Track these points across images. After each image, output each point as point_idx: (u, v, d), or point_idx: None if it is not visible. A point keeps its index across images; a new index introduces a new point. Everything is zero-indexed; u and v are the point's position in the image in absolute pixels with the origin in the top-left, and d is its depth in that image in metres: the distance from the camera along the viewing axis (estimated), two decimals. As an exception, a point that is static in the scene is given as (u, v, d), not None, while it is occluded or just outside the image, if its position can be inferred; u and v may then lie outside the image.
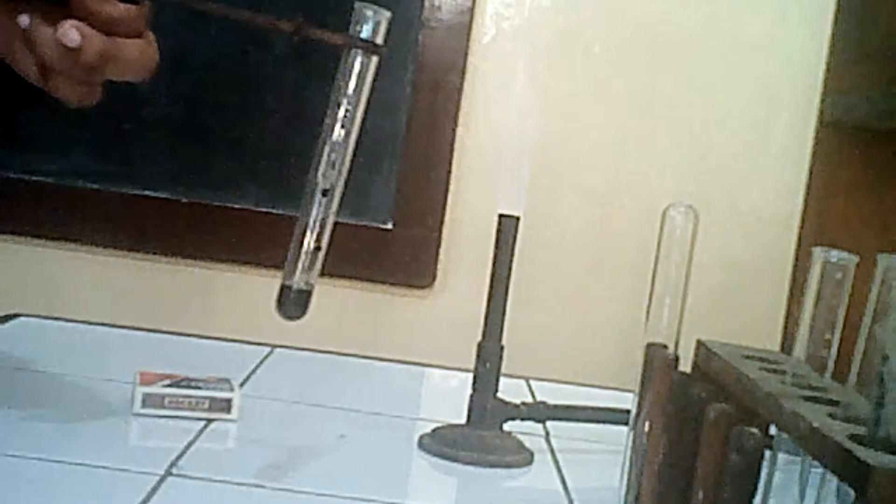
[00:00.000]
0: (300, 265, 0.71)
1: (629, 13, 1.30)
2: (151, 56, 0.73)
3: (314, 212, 0.71)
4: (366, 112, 0.72)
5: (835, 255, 0.61)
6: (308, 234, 0.71)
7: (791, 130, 1.32)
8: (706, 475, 0.57)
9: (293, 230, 0.73)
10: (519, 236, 0.91)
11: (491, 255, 0.91)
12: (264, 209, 1.31)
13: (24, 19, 0.69)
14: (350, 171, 0.72)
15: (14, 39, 0.70)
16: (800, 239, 1.32)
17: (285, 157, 1.32)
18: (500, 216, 0.90)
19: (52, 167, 1.34)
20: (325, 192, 0.71)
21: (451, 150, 1.30)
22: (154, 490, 0.71)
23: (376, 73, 0.72)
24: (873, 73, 1.22)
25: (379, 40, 0.70)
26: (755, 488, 0.54)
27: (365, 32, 0.70)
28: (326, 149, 0.71)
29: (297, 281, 0.71)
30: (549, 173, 1.27)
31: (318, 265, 0.72)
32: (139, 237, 1.30)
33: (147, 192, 1.31)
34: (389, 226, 1.31)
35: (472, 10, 1.29)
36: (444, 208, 1.30)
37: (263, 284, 1.29)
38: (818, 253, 0.61)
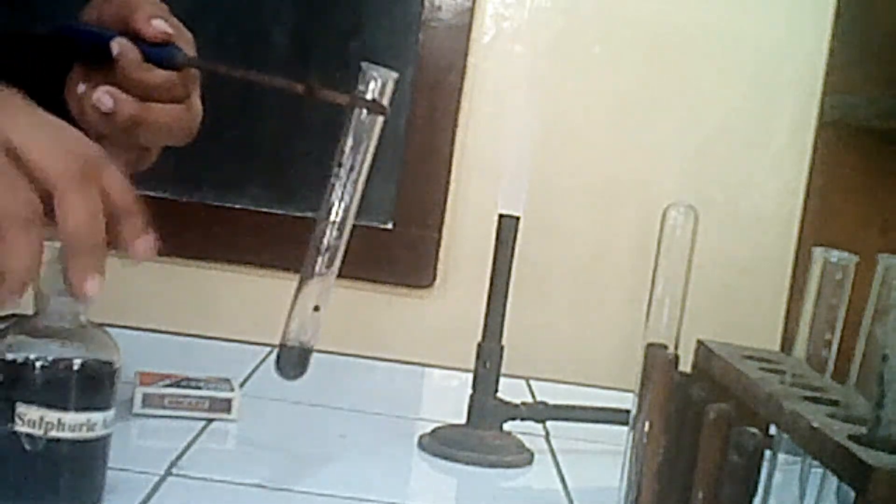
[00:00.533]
0: (297, 325, 0.70)
1: (629, 13, 1.30)
2: (189, 122, 0.74)
3: (316, 270, 0.70)
4: (370, 172, 0.72)
5: (835, 255, 0.61)
6: (308, 295, 0.70)
7: (791, 130, 1.32)
8: (706, 475, 0.57)
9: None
10: (519, 236, 0.91)
11: (491, 255, 0.91)
12: (264, 209, 1.31)
13: (81, 87, 0.71)
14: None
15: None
16: (800, 239, 1.32)
17: (285, 158, 1.32)
18: (500, 216, 0.90)
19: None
20: (325, 252, 0.70)
21: (451, 150, 1.30)
22: (154, 490, 0.71)
23: (381, 133, 0.72)
24: (873, 73, 1.22)
25: (385, 101, 0.71)
26: (755, 488, 0.54)
27: (370, 92, 0.70)
28: (331, 211, 0.70)
29: (295, 340, 0.70)
30: (549, 173, 1.27)
31: (319, 326, 0.71)
32: (139, 237, 1.30)
33: (147, 192, 1.30)
34: (389, 226, 1.31)
35: (472, 10, 1.29)
36: (444, 208, 1.30)
37: (263, 284, 1.29)
38: (818, 253, 0.61)
